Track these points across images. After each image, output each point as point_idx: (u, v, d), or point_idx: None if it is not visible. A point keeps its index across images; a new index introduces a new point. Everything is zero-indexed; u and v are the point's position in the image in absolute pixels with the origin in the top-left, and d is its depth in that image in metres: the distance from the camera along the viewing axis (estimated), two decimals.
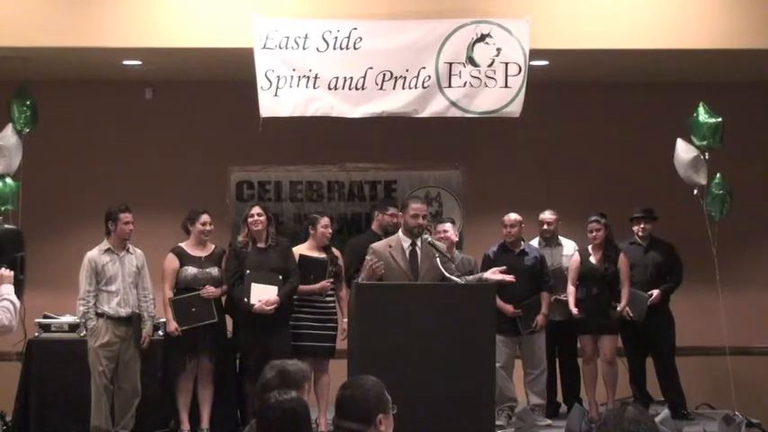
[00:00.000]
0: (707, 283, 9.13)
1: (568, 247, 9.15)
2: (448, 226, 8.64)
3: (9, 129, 8.83)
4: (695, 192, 8.97)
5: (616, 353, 8.73)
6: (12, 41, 8.42)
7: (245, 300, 8.14)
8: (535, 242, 9.12)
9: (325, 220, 8.47)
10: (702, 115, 8.93)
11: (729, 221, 9.04)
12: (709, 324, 9.43)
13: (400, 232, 7.45)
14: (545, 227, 9.10)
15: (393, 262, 7.25)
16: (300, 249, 8.44)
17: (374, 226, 8.84)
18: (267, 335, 8.07)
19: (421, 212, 7.34)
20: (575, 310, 8.61)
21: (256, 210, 8.35)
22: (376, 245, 7.43)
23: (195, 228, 8.35)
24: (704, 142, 8.92)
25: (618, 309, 8.60)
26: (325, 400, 8.24)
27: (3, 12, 8.42)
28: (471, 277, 7.54)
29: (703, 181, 8.94)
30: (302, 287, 8.28)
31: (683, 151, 8.99)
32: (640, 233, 9.08)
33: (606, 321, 8.62)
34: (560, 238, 9.21)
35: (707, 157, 8.93)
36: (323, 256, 8.43)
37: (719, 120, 8.87)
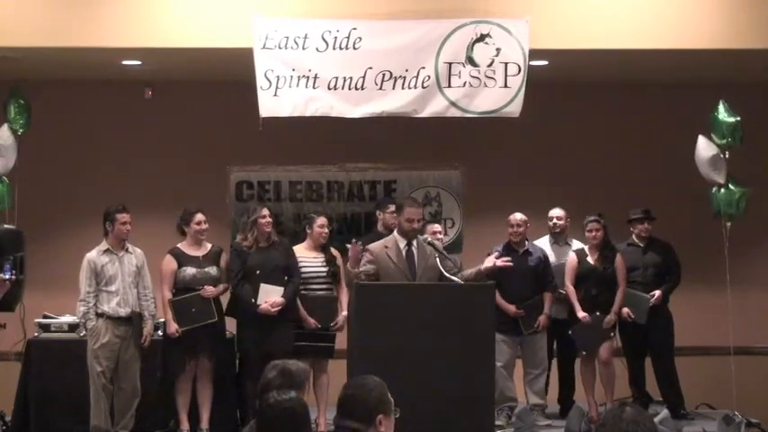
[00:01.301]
0: (710, 283, 9.12)
1: (577, 246, 9.12)
2: (437, 227, 8.68)
3: (5, 129, 8.83)
4: (714, 190, 8.96)
5: (612, 354, 8.74)
6: (11, 41, 8.42)
7: (252, 300, 8.15)
8: (545, 240, 9.10)
9: (321, 220, 8.48)
10: (722, 114, 8.89)
11: (733, 220, 9.04)
12: (712, 324, 9.44)
13: (396, 232, 7.46)
14: (555, 221, 9.06)
15: (390, 262, 7.27)
16: (298, 249, 8.45)
17: (379, 226, 8.84)
18: (270, 334, 8.08)
19: (416, 217, 7.38)
20: (582, 315, 8.59)
21: (266, 211, 8.36)
22: (372, 246, 7.47)
23: (191, 228, 8.35)
24: (724, 141, 8.88)
25: (609, 316, 8.60)
26: (325, 400, 8.25)
27: (2, 12, 8.42)
28: (469, 271, 7.52)
29: (722, 179, 8.91)
30: (304, 314, 8.28)
31: (704, 149, 8.95)
32: (643, 234, 9.03)
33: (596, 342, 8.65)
34: (571, 238, 9.19)
35: (727, 155, 8.91)
36: (320, 255, 8.44)
37: (737, 119, 8.83)
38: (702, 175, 8.97)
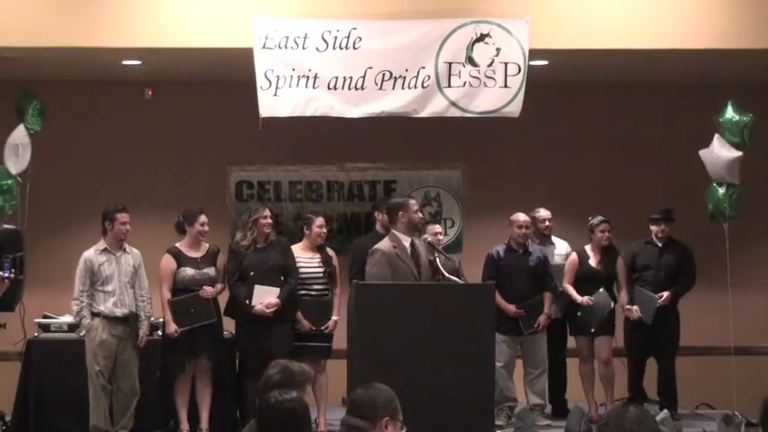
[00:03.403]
0: (711, 283, 9.11)
1: (561, 246, 9.13)
2: (437, 227, 8.70)
3: (22, 129, 8.79)
4: (711, 188, 8.93)
5: (612, 353, 8.73)
6: (11, 41, 8.41)
7: (247, 301, 8.15)
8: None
9: (319, 221, 8.48)
10: (730, 113, 8.84)
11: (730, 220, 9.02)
12: (712, 324, 9.42)
13: (397, 232, 7.43)
14: (547, 224, 9.07)
15: (400, 261, 7.26)
16: (294, 249, 8.44)
17: (377, 226, 8.82)
18: (268, 334, 8.08)
19: (419, 205, 7.42)
20: (584, 300, 8.59)
21: (267, 212, 8.37)
22: (381, 246, 7.40)
23: (194, 228, 8.33)
24: (735, 140, 8.84)
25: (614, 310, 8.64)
26: (324, 400, 8.26)
27: (3, 12, 8.42)
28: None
29: (737, 181, 8.87)
30: (299, 316, 8.29)
31: (722, 151, 8.86)
32: (659, 234, 8.92)
33: (603, 322, 8.63)
34: (553, 237, 9.19)
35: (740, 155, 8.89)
36: (317, 255, 8.43)
37: (747, 118, 8.78)
38: (712, 176, 8.91)
